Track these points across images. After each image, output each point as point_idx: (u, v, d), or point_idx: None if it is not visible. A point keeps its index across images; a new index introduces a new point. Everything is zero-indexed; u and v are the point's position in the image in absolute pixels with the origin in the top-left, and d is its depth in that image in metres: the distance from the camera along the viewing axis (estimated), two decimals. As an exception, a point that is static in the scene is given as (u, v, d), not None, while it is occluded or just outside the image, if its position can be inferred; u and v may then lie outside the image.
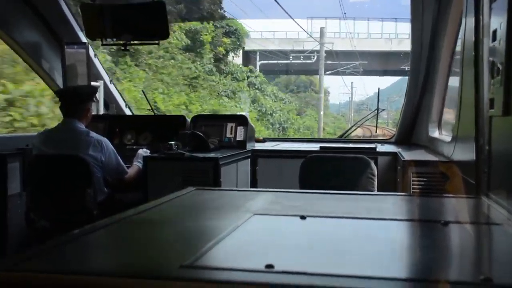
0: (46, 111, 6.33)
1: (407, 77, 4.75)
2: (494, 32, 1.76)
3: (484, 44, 2.05)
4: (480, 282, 0.93)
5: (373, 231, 1.41)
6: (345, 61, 27.39)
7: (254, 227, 1.41)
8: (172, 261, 1.07)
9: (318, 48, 24.63)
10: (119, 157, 3.59)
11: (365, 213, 1.61)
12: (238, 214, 1.53)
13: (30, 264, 1.05)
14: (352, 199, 1.94)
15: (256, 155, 4.23)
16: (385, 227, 1.45)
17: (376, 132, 7.13)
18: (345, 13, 30.59)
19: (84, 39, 4.76)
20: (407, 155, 3.55)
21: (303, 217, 1.46)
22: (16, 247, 3.67)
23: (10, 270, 1.00)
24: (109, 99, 5.18)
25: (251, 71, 21.49)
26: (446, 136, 3.59)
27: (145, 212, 1.57)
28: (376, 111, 5.52)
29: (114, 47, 4.49)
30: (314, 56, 26.52)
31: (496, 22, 1.74)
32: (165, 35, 4.40)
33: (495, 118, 1.87)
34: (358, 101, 49.44)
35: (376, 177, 3.33)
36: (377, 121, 5.67)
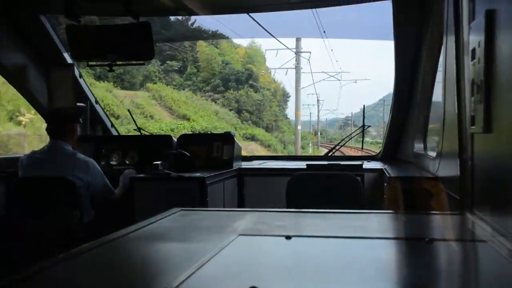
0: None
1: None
2: (473, 50, 1.79)
3: (465, 63, 2.09)
4: None
5: (359, 250, 1.41)
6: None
7: (239, 249, 1.41)
8: (156, 285, 1.06)
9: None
10: (106, 178, 3.58)
11: (351, 232, 1.61)
12: (223, 235, 1.52)
13: None
14: (338, 217, 1.94)
15: (243, 173, 4.23)
16: (370, 246, 1.45)
17: (362, 149, 7.06)
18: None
19: (69, 60, 4.76)
20: (393, 172, 3.57)
21: (288, 237, 1.46)
22: (1, 271, 3.61)
23: None
24: (95, 119, 5.16)
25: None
26: (431, 152, 3.62)
27: (130, 235, 1.56)
28: (361, 128, 5.43)
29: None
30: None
31: (475, 41, 1.77)
32: (151, 56, 4.40)
33: (477, 135, 1.89)
34: (344, 117, 47.45)
35: (363, 194, 3.35)
36: (363, 139, 5.60)
